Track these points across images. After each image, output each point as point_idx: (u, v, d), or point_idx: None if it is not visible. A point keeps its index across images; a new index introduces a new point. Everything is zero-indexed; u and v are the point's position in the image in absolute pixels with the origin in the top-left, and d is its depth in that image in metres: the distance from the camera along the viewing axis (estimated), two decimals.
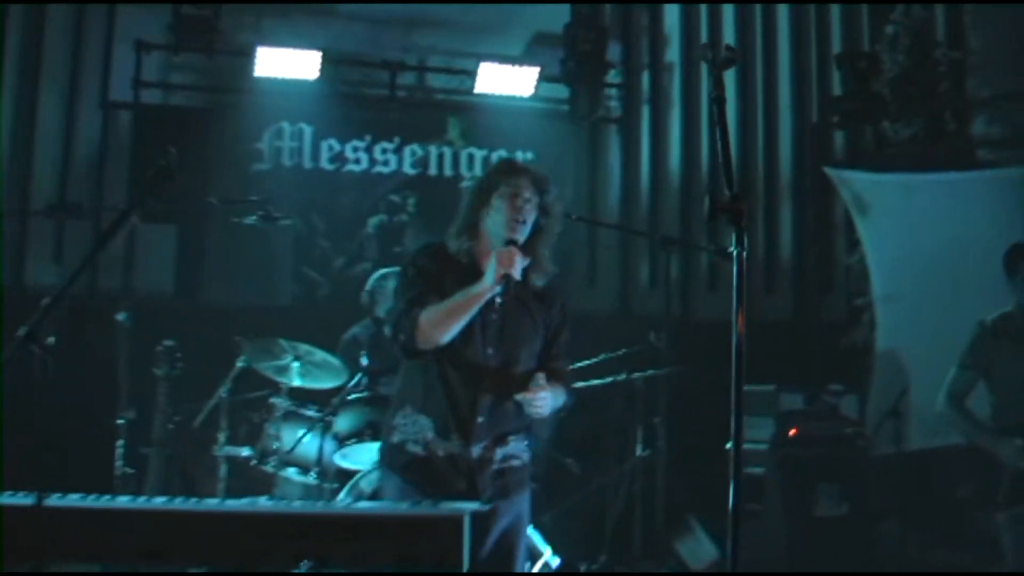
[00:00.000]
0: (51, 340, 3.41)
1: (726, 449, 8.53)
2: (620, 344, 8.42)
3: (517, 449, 4.89)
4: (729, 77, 11.18)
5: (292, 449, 7.39)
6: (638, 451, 8.38)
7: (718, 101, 3.68)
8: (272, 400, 7.57)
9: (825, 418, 8.94)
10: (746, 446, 8.41)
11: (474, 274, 4.65)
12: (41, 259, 10.47)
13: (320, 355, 7.57)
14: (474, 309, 4.60)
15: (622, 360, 8.41)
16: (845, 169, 10.87)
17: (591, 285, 11.61)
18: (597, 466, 9.01)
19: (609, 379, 8.33)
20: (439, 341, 4.62)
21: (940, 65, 10.92)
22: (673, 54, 12.09)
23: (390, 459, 4.86)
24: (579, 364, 8.28)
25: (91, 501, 4.12)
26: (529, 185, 4.71)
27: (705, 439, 8.63)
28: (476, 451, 4.73)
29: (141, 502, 4.23)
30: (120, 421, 7.26)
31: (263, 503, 4.42)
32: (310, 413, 7.59)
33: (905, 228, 10.08)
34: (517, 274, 4.58)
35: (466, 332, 4.65)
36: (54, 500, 3.99)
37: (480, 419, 4.72)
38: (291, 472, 7.58)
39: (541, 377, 4.67)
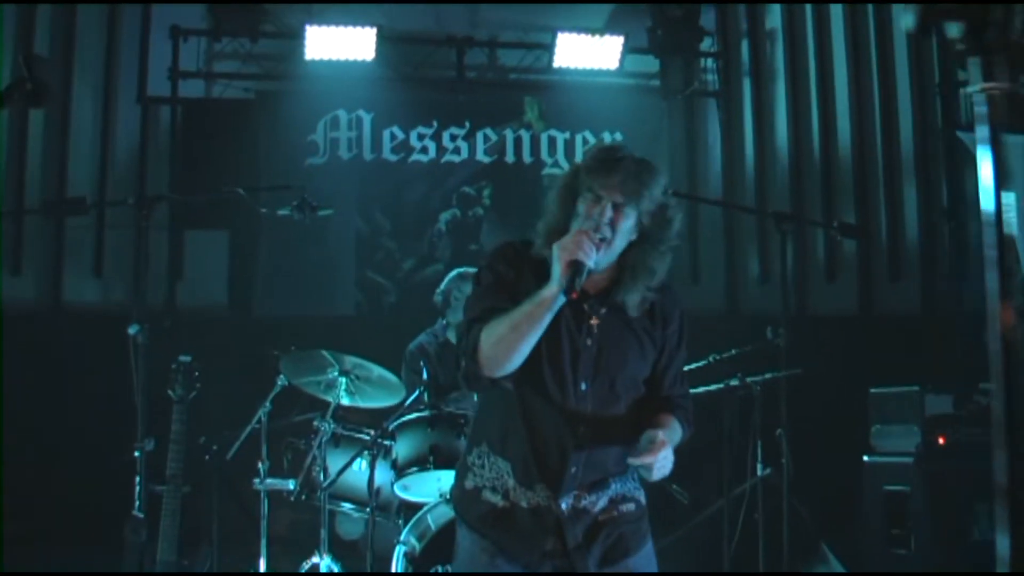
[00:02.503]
0: None
1: (865, 462, 7.73)
2: (728, 346, 7.48)
3: (626, 489, 3.99)
4: (838, 34, 10.11)
5: (335, 479, 6.56)
6: (759, 470, 7.32)
7: None
8: (316, 423, 6.71)
9: (978, 423, 7.75)
10: (889, 459, 7.73)
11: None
12: (81, 273, 9.88)
13: (376, 371, 6.72)
14: (545, 319, 3.65)
15: (735, 362, 7.42)
16: None
17: (694, 281, 10.83)
18: (709, 487, 7.93)
19: (721, 384, 7.34)
20: (506, 366, 3.72)
21: None
22: (774, 19, 11.18)
23: (463, 508, 4.03)
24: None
25: None
26: (618, 187, 3.72)
27: (833, 452, 8.24)
28: (566, 503, 3.84)
29: None
30: (136, 454, 6.16)
31: None
32: (363, 437, 6.74)
33: None
34: (591, 260, 3.62)
35: (555, 363, 3.80)
36: None
37: (572, 469, 3.83)
38: (346, 507, 6.84)
39: (659, 433, 3.72)
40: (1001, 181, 2.21)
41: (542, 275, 3.71)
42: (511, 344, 3.66)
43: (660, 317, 3.93)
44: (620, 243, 3.73)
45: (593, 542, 3.86)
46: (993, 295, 2.32)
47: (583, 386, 3.80)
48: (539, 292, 3.64)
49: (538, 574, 3.83)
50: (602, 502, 3.89)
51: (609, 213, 3.69)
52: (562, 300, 3.61)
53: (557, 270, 3.60)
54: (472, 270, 7.40)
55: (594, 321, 3.82)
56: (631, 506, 3.95)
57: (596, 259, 3.65)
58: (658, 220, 3.78)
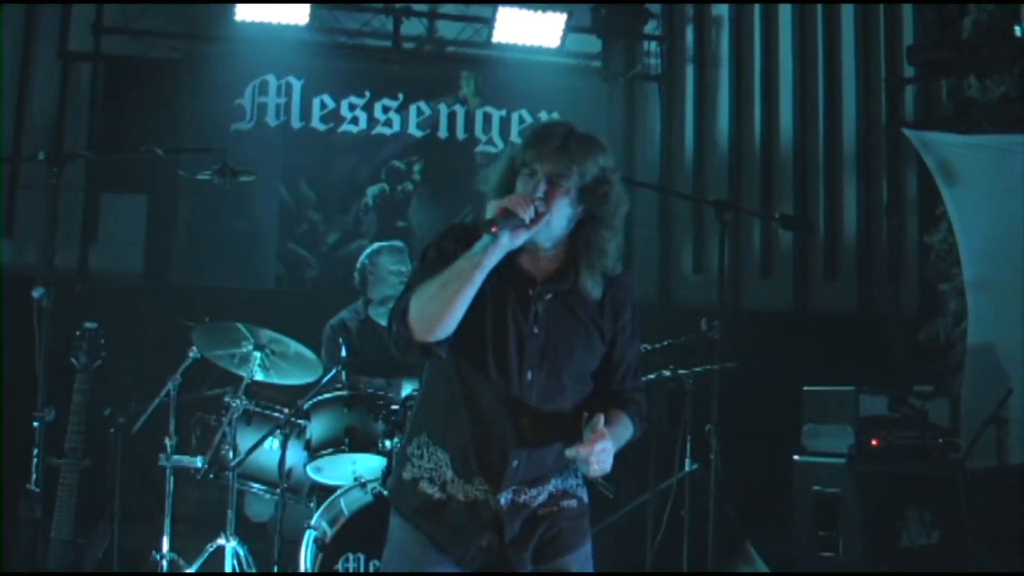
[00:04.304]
0: None
1: (795, 461, 7.65)
2: (659, 337, 7.30)
3: (568, 485, 3.83)
4: (785, 24, 10.04)
5: (245, 458, 6.38)
6: (686, 465, 7.23)
7: None
8: (228, 398, 6.49)
9: (912, 426, 7.70)
10: (820, 460, 7.56)
11: (511, 266, 3.63)
12: None
13: (294, 347, 6.52)
14: (475, 276, 3.49)
15: (666, 353, 7.24)
16: (926, 131, 9.42)
17: (626, 268, 10.13)
18: (635, 482, 7.77)
19: (652, 375, 7.14)
20: (436, 329, 3.54)
21: None
22: (721, 6, 10.97)
23: (398, 498, 3.88)
24: None
25: None
26: (551, 158, 3.61)
27: (763, 450, 8.06)
28: (505, 498, 3.70)
29: None
30: (35, 424, 5.84)
31: None
32: (276, 415, 6.59)
33: (1001, 200, 8.74)
34: (525, 216, 3.49)
35: (499, 350, 3.65)
36: None
37: (515, 463, 3.69)
38: (256, 487, 6.70)
39: (599, 420, 3.55)
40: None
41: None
42: (441, 303, 3.50)
43: (611, 308, 3.76)
44: (559, 219, 3.59)
45: (530, 537, 3.72)
46: None
47: (528, 376, 3.66)
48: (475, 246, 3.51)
49: (471, 574, 3.68)
50: (542, 496, 3.75)
51: (543, 187, 3.56)
52: (495, 257, 3.47)
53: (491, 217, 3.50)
54: (391, 244, 7.37)
55: (539, 307, 3.66)
56: (573, 502, 3.80)
57: (533, 232, 3.53)
58: (599, 195, 3.63)
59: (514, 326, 3.63)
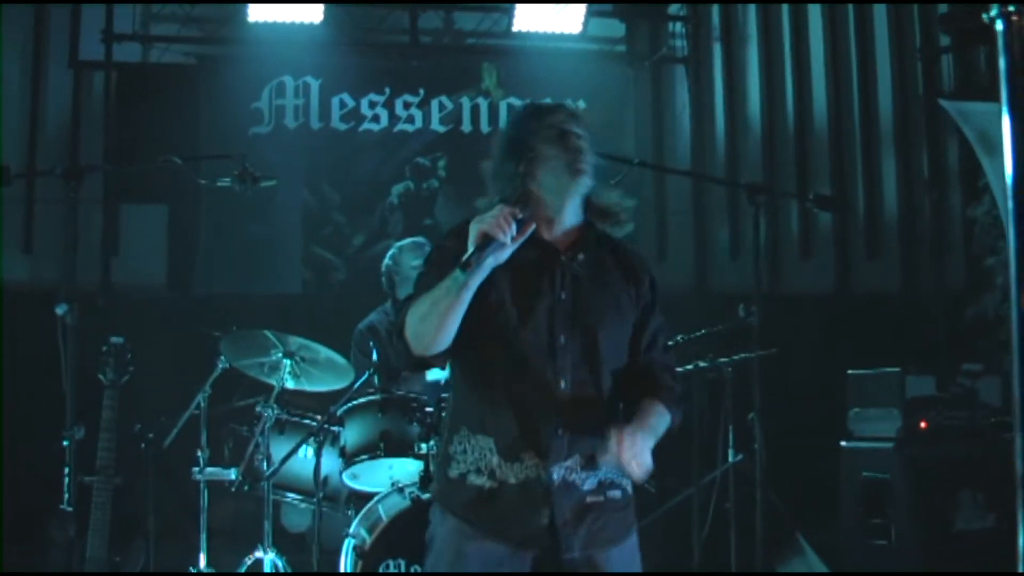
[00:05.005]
0: None
1: (842, 447, 7.46)
2: (697, 325, 7.14)
3: (614, 474, 3.82)
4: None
5: (279, 468, 6.30)
6: (730, 457, 7.07)
7: None
8: (259, 408, 6.42)
9: (962, 406, 7.54)
10: (868, 445, 7.36)
11: (528, 254, 3.70)
12: (10, 249, 9.41)
13: (323, 353, 6.44)
14: (462, 295, 3.58)
15: (705, 343, 7.07)
16: (964, 101, 9.20)
17: (661, 257, 10.48)
18: (678, 475, 7.69)
19: (690, 366, 7.00)
20: (431, 344, 3.67)
21: None
22: None
23: (446, 497, 3.88)
24: None
25: None
26: (571, 119, 3.83)
27: (809, 438, 7.92)
28: (557, 474, 3.70)
29: None
30: (64, 443, 5.76)
31: None
32: (308, 423, 6.50)
33: None
34: (507, 237, 3.54)
35: (530, 318, 3.73)
36: None
37: (558, 431, 3.70)
38: (291, 497, 6.59)
39: (625, 430, 3.58)
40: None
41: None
42: (433, 322, 3.61)
43: (632, 275, 3.90)
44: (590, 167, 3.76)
45: (580, 524, 3.72)
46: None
47: (561, 339, 3.72)
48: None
49: (519, 574, 3.70)
50: (591, 482, 3.74)
51: (580, 142, 3.73)
52: (482, 275, 3.55)
53: (471, 246, 3.54)
54: (415, 241, 7.22)
55: (567, 273, 3.76)
56: (617, 493, 3.79)
57: (584, 185, 3.73)
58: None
59: (542, 294, 3.71)
